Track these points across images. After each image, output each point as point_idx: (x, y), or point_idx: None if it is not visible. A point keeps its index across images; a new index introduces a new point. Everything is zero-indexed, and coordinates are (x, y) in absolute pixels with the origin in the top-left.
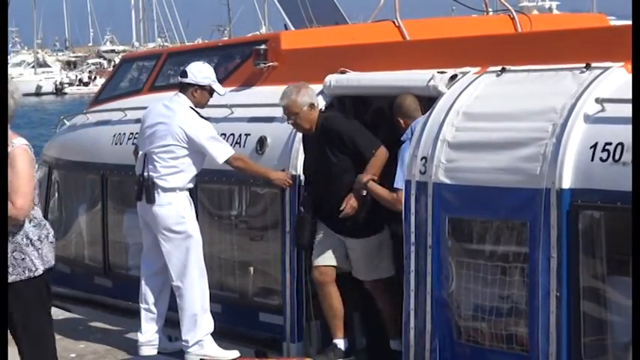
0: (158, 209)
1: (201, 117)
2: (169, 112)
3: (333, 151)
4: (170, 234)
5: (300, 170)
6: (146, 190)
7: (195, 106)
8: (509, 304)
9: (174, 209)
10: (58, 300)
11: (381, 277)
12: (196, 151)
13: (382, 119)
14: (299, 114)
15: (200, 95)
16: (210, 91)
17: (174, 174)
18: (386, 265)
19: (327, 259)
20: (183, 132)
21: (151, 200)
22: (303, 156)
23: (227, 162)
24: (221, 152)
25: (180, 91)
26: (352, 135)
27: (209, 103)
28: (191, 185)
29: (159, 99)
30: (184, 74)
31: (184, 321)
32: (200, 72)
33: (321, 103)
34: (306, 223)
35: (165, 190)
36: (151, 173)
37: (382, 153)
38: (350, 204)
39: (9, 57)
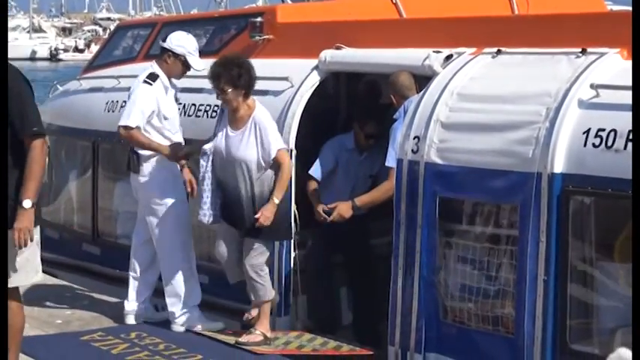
0: (142, 179)
1: (148, 84)
2: None
3: None
4: (153, 205)
5: (292, 144)
6: (132, 160)
7: (168, 75)
8: (497, 286)
9: (157, 180)
10: (45, 265)
11: (19, 284)
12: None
13: (374, 91)
14: None
15: (172, 63)
16: (185, 63)
17: None
18: (30, 269)
19: None
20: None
21: (136, 170)
22: None
23: (118, 129)
24: (122, 117)
25: (157, 57)
26: (24, 96)
27: (198, 74)
28: None
29: None
30: (165, 38)
31: (171, 292)
32: (178, 40)
33: (315, 77)
34: None
35: (146, 159)
36: None
37: (40, 145)
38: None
39: None
